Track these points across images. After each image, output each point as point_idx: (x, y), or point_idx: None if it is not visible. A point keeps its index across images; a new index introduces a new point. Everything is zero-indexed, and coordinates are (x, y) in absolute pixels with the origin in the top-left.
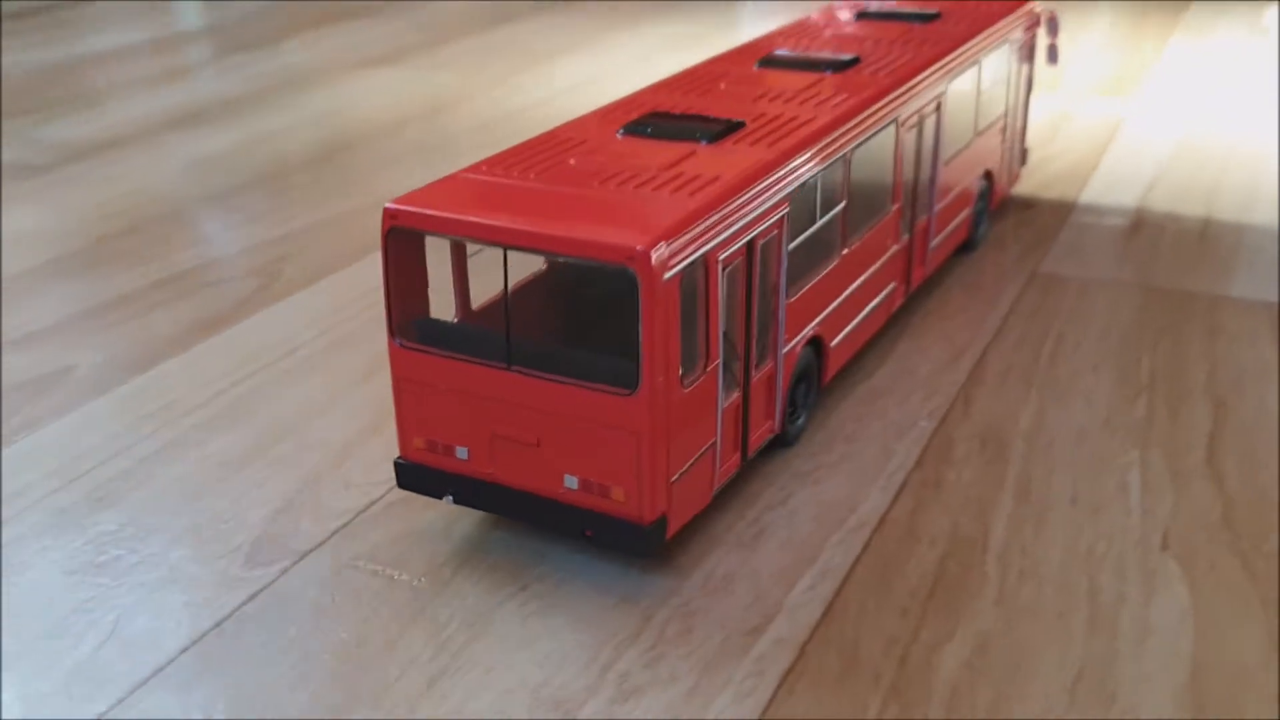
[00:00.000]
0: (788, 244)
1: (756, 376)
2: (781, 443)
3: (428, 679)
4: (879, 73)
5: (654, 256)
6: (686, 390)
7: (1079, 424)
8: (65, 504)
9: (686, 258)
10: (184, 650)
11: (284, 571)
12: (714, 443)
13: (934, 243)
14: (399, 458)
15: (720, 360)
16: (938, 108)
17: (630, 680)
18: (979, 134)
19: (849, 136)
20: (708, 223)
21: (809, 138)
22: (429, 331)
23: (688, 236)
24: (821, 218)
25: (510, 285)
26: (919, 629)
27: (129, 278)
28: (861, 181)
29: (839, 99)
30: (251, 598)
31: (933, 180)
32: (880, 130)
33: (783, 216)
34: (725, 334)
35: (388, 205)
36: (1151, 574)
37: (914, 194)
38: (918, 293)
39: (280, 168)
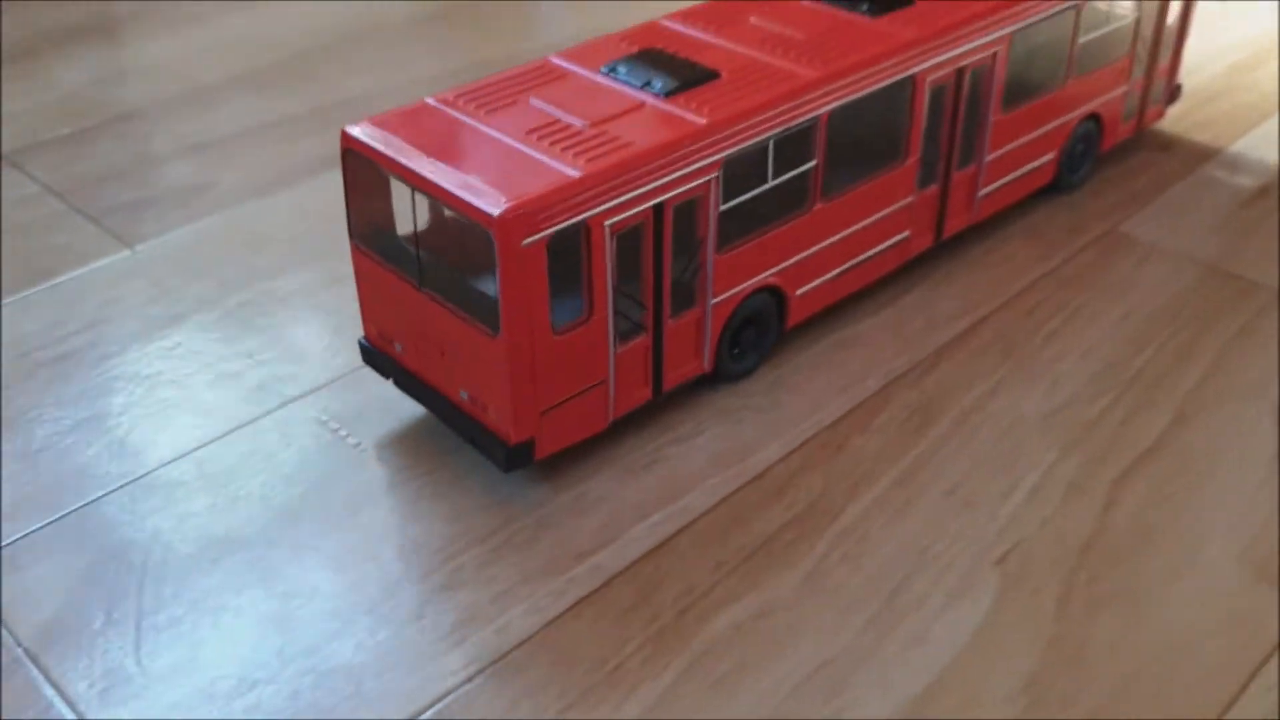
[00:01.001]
0: (719, 205)
1: (675, 322)
2: (724, 378)
3: (317, 527)
4: (919, 20)
5: (509, 223)
6: (559, 336)
7: (1022, 412)
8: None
9: (556, 224)
10: (179, 457)
11: (267, 412)
12: (605, 380)
13: (984, 191)
14: (362, 337)
15: (610, 310)
16: (994, 58)
17: (460, 574)
18: (1073, 79)
19: (829, 97)
20: (590, 193)
21: (774, 98)
22: (374, 240)
23: (561, 205)
24: (779, 177)
25: (443, 213)
26: (717, 585)
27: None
28: (852, 137)
29: (847, 50)
30: (236, 429)
31: (982, 130)
32: (888, 85)
33: (710, 180)
34: (622, 287)
35: (345, 129)
36: (968, 586)
37: (951, 144)
38: (970, 235)
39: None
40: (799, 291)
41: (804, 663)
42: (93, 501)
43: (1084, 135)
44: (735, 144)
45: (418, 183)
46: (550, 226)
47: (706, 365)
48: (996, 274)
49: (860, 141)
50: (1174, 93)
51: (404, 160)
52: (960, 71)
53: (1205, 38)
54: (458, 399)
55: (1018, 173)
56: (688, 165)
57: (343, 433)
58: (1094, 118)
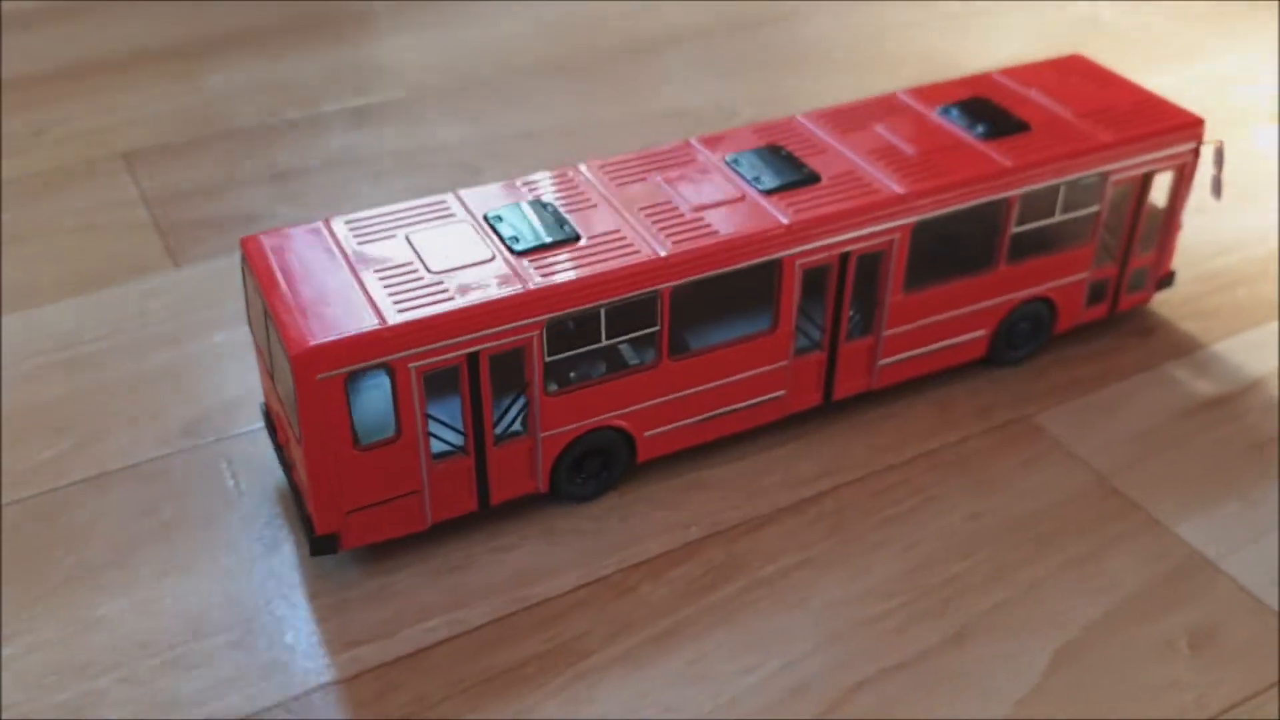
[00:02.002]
0: (543, 356)
1: (502, 449)
2: (565, 499)
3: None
4: (805, 207)
5: (304, 359)
6: (365, 452)
7: (809, 594)
8: None
9: (357, 363)
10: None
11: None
12: (419, 490)
13: (885, 361)
14: (261, 402)
15: (419, 434)
16: (891, 244)
17: (243, 637)
18: (1007, 265)
19: (673, 276)
20: (396, 339)
21: (610, 278)
22: (254, 327)
23: (364, 348)
24: (614, 338)
25: None
26: (444, 701)
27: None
28: (719, 304)
29: (687, 238)
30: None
31: (879, 308)
32: (756, 265)
33: (532, 337)
34: (437, 416)
35: (244, 239)
36: None
37: (836, 319)
38: (877, 394)
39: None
40: (648, 433)
41: None
42: None
43: (1031, 315)
44: (556, 310)
45: (267, 300)
46: (349, 365)
47: (541, 486)
48: (877, 443)
49: (730, 307)
50: (1163, 279)
51: (263, 279)
52: (844, 257)
53: (1249, 214)
54: (296, 479)
55: (932, 347)
56: (510, 322)
57: (231, 478)
58: (1045, 300)
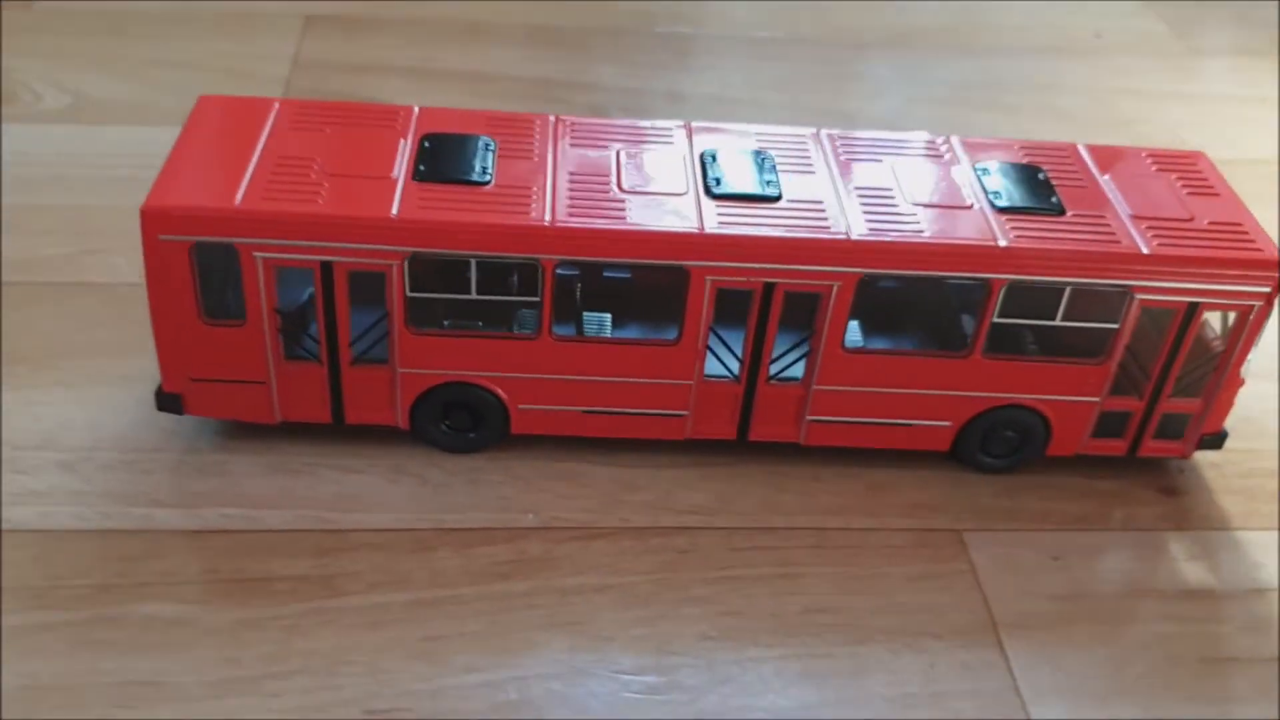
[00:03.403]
0: (406, 290)
1: (357, 370)
2: (431, 444)
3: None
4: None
5: (148, 216)
6: (211, 326)
7: (558, 608)
8: None
9: (201, 236)
10: None
11: None
12: (265, 382)
13: (815, 418)
14: None
15: (264, 325)
16: (832, 290)
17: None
18: (987, 356)
19: (560, 250)
20: (247, 224)
21: (488, 231)
22: None
23: (210, 222)
24: (485, 294)
25: None
26: (146, 586)
27: None
28: (627, 297)
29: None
30: None
31: (811, 357)
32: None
33: (392, 266)
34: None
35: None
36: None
37: (756, 353)
38: (808, 457)
39: None
40: (523, 406)
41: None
42: None
43: (1017, 425)
44: (419, 245)
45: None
46: (191, 235)
47: (400, 422)
48: (777, 500)
49: (641, 306)
50: (1209, 437)
51: (183, 135)
52: (767, 287)
53: None
54: None
55: (876, 420)
56: (367, 243)
57: None
58: (1036, 412)
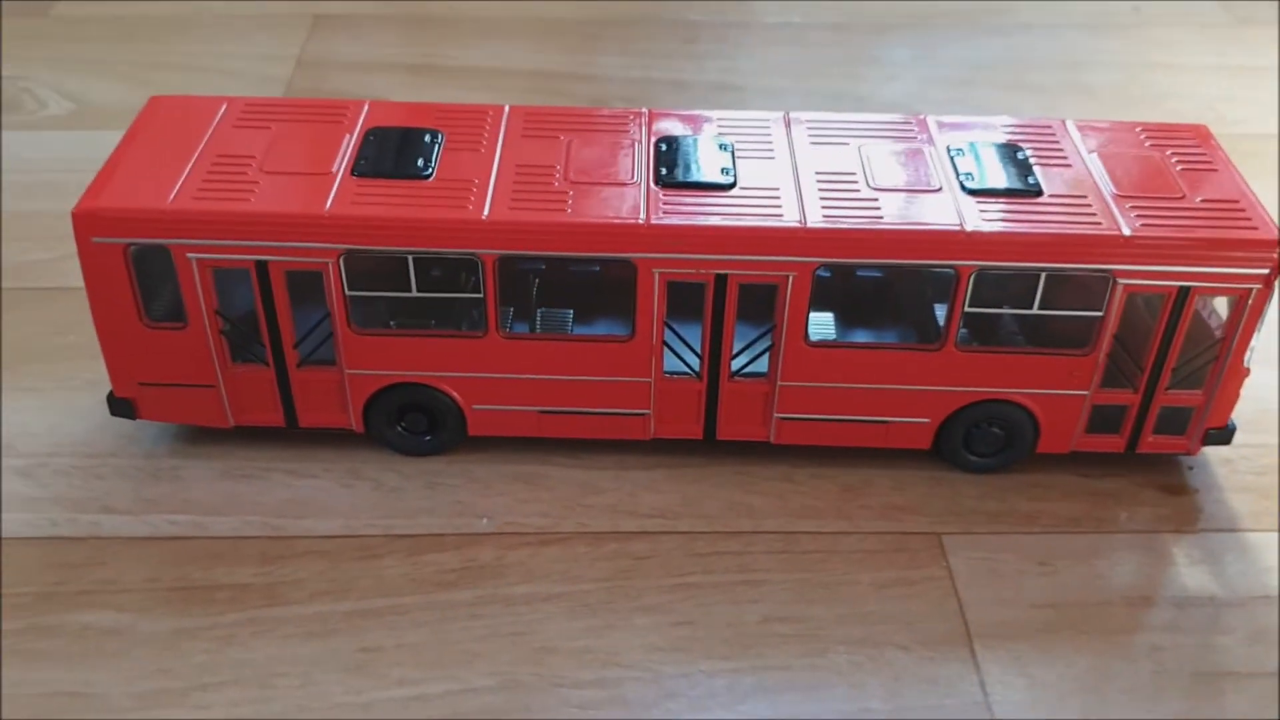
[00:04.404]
0: (344, 288)
1: (306, 372)
2: (388, 447)
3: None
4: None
5: (80, 219)
6: (154, 330)
7: (545, 623)
8: None
9: (135, 238)
10: None
11: None
12: (214, 386)
13: (784, 416)
14: None
15: (206, 327)
16: (786, 280)
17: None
18: (958, 348)
19: (494, 244)
20: (180, 226)
21: (423, 227)
22: None
23: (143, 224)
24: (425, 292)
25: None
26: (79, 594)
27: None
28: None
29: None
30: None
31: (774, 353)
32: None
33: (328, 264)
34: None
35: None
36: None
37: (714, 348)
38: (789, 457)
39: None
40: (477, 407)
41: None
42: None
43: (1002, 420)
44: (353, 243)
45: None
46: (125, 237)
47: (354, 424)
48: (744, 502)
49: (603, 302)
50: (1214, 431)
51: (128, 134)
52: (720, 279)
53: None
54: None
55: (849, 417)
56: (301, 241)
57: None
58: (1020, 406)
